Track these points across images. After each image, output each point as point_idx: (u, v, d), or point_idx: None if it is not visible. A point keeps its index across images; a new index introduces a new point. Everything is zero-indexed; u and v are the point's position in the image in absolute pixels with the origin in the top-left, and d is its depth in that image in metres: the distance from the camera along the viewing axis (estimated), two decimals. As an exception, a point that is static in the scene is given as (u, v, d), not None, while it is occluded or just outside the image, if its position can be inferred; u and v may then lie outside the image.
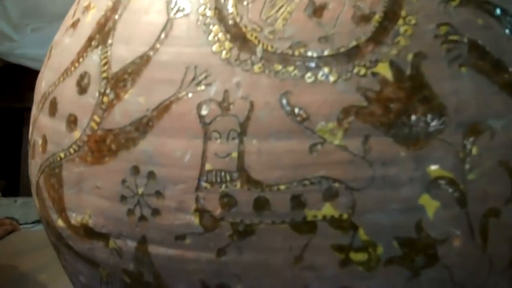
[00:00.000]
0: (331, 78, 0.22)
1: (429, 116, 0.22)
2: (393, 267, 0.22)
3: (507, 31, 0.24)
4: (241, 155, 0.22)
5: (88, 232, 0.26)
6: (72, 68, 0.27)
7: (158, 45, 0.24)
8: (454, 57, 0.23)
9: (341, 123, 0.22)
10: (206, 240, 0.23)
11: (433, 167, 0.22)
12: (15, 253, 0.51)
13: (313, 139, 0.22)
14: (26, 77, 0.75)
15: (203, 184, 0.23)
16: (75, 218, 0.26)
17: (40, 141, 0.28)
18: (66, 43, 0.28)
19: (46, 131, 0.28)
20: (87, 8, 0.28)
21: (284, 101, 0.22)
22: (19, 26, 0.87)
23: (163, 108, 0.23)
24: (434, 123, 0.22)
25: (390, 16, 0.23)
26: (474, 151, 0.22)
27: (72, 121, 0.26)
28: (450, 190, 0.22)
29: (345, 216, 0.22)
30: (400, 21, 0.23)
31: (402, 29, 0.23)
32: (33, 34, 0.87)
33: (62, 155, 0.26)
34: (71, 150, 0.26)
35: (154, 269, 0.24)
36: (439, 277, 0.22)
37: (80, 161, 0.25)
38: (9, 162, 0.93)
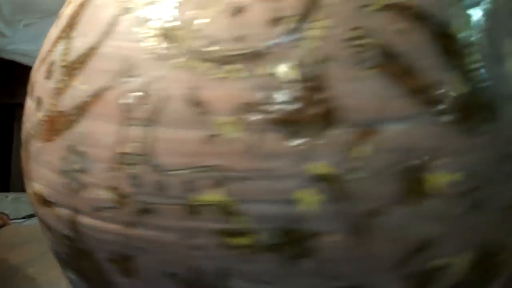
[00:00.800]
0: (238, 76, 0.24)
1: (322, 115, 0.23)
2: (274, 255, 0.24)
3: (427, 36, 0.24)
4: (150, 142, 0.25)
5: (42, 200, 0.29)
6: (47, 56, 0.31)
7: (104, 39, 0.27)
8: (360, 60, 0.24)
9: (239, 118, 0.24)
10: (117, 214, 0.26)
11: (319, 164, 0.23)
12: (5, 247, 0.52)
13: (211, 131, 0.24)
14: (18, 72, 0.78)
15: (117, 165, 0.25)
16: (36, 188, 0.30)
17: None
18: (50, 33, 0.32)
19: (26, 111, 0.32)
20: (69, 1, 0.32)
21: (194, 94, 0.24)
22: (11, 22, 0.88)
23: (97, 95, 0.27)
24: (325, 122, 0.23)
25: (304, 19, 0.24)
26: (365, 151, 0.23)
27: (39, 103, 0.30)
28: (334, 186, 0.23)
29: (231, 203, 0.24)
30: (313, 24, 0.24)
31: (312, 32, 0.24)
32: (25, 29, 0.87)
33: (31, 131, 0.30)
34: (36, 128, 0.30)
35: (83, 236, 0.27)
36: (318, 269, 0.24)
37: (40, 138, 0.29)
38: (0, 157, 0.94)
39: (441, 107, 0.24)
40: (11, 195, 0.76)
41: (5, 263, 0.48)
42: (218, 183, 0.24)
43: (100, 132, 0.26)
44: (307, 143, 0.23)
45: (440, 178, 0.24)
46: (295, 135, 0.23)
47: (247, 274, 0.24)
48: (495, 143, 0.25)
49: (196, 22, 0.25)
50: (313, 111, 0.23)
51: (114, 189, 0.25)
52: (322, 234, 0.23)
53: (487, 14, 0.26)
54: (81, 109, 0.27)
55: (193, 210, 0.24)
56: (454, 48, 0.25)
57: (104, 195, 0.26)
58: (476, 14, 0.26)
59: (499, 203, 0.26)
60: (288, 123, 0.23)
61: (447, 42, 0.25)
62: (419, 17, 0.25)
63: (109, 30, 0.27)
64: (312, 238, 0.23)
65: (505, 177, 0.26)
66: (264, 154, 0.23)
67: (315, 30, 0.24)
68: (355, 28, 0.24)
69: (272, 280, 0.24)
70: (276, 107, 0.23)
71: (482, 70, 0.25)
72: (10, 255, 0.49)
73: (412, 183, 0.24)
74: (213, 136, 0.24)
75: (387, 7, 0.24)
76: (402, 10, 0.25)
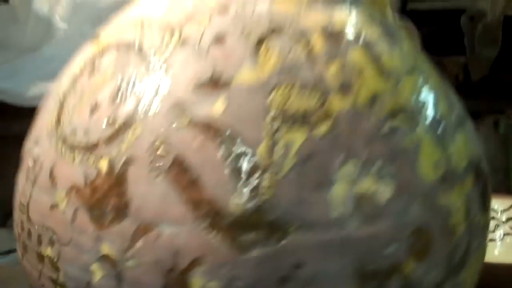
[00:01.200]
0: (77, 161, 0.30)
1: (116, 206, 0.28)
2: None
3: (221, 154, 0.27)
4: (28, 199, 0.32)
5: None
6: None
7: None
8: (155, 166, 0.28)
9: (67, 195, 0.30)
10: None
11: (105, 246, 0.28)
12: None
13: (53, 201, 0.31)
14: None
15: (16, 211, 0.34)
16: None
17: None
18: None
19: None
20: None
21: (52, 169, 0.31)
22: None
23: None
24: (118, 213, 0.28)
25: (125, 126, 0.29)
26: (139, 245, 0.27)
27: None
28: (114, 268, 0.28)
29: (54, 259, 0.30)
30: (130, 131, 0.29)
31: (128, 137, 0.29)
32: (2, 66, 0.87)
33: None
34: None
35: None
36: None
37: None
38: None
39: (214, 220, 0.27)
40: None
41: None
42: (50, 242, 0.30)
43: None
44: (104, 226, 0.28)
45: (199, 283, 0.27)
46: (98, 217, 0.29)
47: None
48: (267, 264, 0.27)
49: (72, 113, 0.32)
50: (112, 202, 0.28)
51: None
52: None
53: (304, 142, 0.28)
54: None
55: (40, 258, 0.31)
56: (244, 168, 0.27)
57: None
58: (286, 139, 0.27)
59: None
60: (94, 207, 0.29)
61: (238, 161, 0.27)
62: (218, 136, 0.27)
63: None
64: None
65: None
66: (77, 228, 0.29)
67: (130, 135, 0.29)
68: (158, 139, 0.28)
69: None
70: (88, 191, 0.29)
71: (271, 192, 0.27)
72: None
73: (175, 281, 0.27)
74: (53, 205, 0.30)
75: (190, 125, 0.28)
76: (203, 129, 0.28)
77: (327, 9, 0.32)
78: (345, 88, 0.29)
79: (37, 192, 0.32)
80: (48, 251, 0.31)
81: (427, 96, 0.32)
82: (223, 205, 0.27)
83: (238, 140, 0.27)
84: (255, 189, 0.27)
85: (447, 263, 0.30)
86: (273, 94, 0.28)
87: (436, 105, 0.32)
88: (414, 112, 0.31)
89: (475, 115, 1.99)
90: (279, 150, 0.27)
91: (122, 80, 0.30)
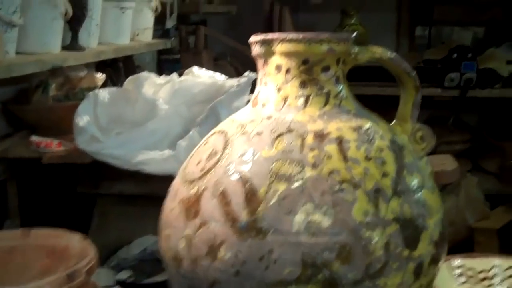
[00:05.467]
0: (185, 187, 0.60)
1: (194, 210, 0.57)
2: None
3: (243, 189, 0.55)
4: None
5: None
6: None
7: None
8: (214, 194, 0.56)
9: (178, 203, 0.60)
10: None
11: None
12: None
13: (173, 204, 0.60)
14: (103, 169, 0.95)
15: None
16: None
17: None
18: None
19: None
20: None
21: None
22: (106, 130, 1.04)
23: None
24: (193, 215, 0.57)
25: (205, 173, 0.58)
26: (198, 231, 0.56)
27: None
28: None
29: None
30: (207, 176, 0.58)
31: (205, 178, 0.58)
32: (116, 137, 1.03)
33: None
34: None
35: None
36: None
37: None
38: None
39: (233, 223, 0.54)
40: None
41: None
42: (169, 227, 0.60)
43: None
44: (189, 220, 0.57)
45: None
46: (187, 215, 0.58)
47: None
48: (254, 248, 0.53)
49: (190, 163, 0.62)
50: (194, 208, 0.57)
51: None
52: None
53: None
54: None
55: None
56: (250, 200, 0.54)
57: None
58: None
59: None
60: (188, 210, 0.58)
61: (251, 195, 0.54)
62: (245, 182, 0.55)
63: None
64: None
65: None
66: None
67: (208, 178, 0.57)
68: (219, 181, 0.56)
69: None
70: (187, 202, 0.58)
71: (262, 212, 0.53)
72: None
73: (212, 249, 0.55)
74: (172, 208, 0.60)
75: (234, 176, 0.56)
76: (240, 178, 0.55)
77: (327, 121, 0.58)
78: (316, 165, 0.55)
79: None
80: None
81: (373, 176, 0.55)
82: (239, 216, 0.54)
83: (252, 184, 0.55)
84: (254, 210, 0.54)
85: (365, 270, 0.53)
86: (274, 163, 0.55)
87: (377, 181, 0.55)
88: (357, 183, 0.55)
89: None
90: (270, 192, 0.54)
91: (212, 149, 0.60)
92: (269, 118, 0.60)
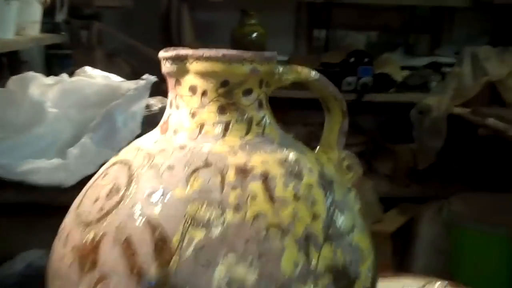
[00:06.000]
0: (79, 230, 0.50)
1: (90, 261, 0.47)
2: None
3: (152, 237, 0.46)
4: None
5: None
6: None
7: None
8: (116, 241, 0.47)
9: (71, 251, 0.49)
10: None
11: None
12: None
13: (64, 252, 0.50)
14: None
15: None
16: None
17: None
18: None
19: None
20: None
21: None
22: None
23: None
24: (89, 266, 0.47)
25: (105, 214, 0.48)
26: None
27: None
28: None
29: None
30: (107, 218, 0.48)
31: (105, 220, 0.48)
32: None
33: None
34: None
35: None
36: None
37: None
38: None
39: (140, 277, 0.45)
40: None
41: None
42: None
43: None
44: (84, 273, 0.47)
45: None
46: (82, 267, 0.48)
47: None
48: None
49: (86, 200, 0.52)
50: (90, 258, 0.47)
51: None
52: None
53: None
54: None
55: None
56: (162, 251, 0.45)
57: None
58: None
59: None
60: (82, 260, 0.48)
61: (162, 245, 0.45)
62: (154, 229, 0.46)
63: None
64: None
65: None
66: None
67: (108, 220, 0.48)
68: (121, 225, 0.47)
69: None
70: (82, 250, 0.48)
71: (175, 266, 0.45)
72: None
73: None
74: (62, 257, 0.50)
75: (139, 219, 0.46)
76: (146, 223, 0.46)
77: (250, 153, 0.50)
78: (239, 207, 0.47)
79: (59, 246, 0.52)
80: (56, 283, 0.50)
81: (303, 220, 0.48)
82: (146, 270, 0.45)
83: (163, 230, 0.46)
84: (166, 263, 0.45)
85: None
86: (189, 205, 0.46)
87: (308, 225, 0.48)
88: (286, 228, 0.47)
89: (423, 199, 1.99)
90: (185, 240, 0.45)
91: (114, 184, 0.50)
92: (182, 148, 0.51)
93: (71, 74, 1.10)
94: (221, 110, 0.51)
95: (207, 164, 0.49)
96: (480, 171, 2.00)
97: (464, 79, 1.83)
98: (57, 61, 1.81)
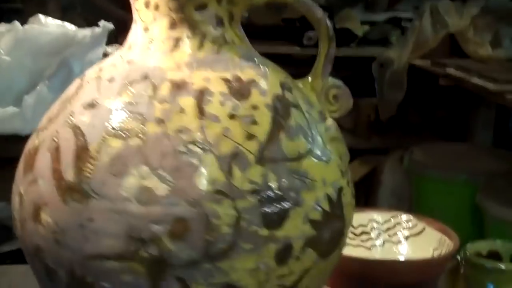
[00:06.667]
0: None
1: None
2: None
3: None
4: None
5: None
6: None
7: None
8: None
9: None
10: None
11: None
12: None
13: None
14: None
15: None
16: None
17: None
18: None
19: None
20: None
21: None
22: None
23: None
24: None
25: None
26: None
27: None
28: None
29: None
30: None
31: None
32: None
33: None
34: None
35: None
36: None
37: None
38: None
39: (59, 183, 0.45)
40: None
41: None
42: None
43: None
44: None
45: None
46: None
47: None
48: (76, 211, 0.44)
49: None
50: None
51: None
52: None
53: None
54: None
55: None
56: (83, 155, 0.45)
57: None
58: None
59: None
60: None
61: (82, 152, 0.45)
62: (79, 133, 0.46)
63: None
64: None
65: None
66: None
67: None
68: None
69: None
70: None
71: (92, 172, 0.45)
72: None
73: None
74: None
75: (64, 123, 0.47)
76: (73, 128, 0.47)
77: (194, 70, 0.48)
78: (162, 121, 0.45)
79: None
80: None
81: (233, 135, 0.45)
82: (65, 175, 0.45)
83: (85, 138, 0.46)
84: (82, 169, 0.45)
85: (205, 250, 0.44)
86: (115, 116, 0.46)
87: (239, 145, 0.45)
88: (209, 145, 0.45)
89: (384, 150, 2.08)
90: (103, 149, 0.45)
91: (66, 94, 0.51)
92: (129, 62, 0.50)
93: (23, 23, 1.07)
94: (172, 25, 0.50)
95: (144, 78, 0.48)
96: (440, 121, 2.04)
97: (424, 31, 1.86)
98: (7, 16, 1.53)
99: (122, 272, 0.44)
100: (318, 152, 0.50)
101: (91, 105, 0.48)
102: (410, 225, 0.73)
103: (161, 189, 0.44)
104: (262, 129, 0.47)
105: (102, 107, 0.47)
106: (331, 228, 0.49)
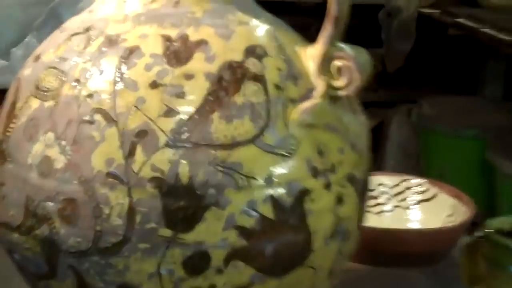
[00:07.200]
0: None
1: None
2: None
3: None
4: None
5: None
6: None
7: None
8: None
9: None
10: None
11: None
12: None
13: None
14: None
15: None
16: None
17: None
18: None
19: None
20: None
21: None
22: None
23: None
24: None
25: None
26: None
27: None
28: None
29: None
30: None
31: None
32: None
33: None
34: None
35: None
36: None
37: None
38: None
39: None
40: None
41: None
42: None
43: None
44: None
45: None
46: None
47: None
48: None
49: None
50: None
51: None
52: None
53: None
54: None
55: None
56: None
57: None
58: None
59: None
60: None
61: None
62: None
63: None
64: None
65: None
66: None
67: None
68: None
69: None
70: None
71: (8, 134, 0.41)
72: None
73: None
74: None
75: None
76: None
77: (137, 24, 0.41)
78: (79, 81, 0.39)
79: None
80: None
81: (149, 108, 0.37)
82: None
83: (17, 94, 0.42)
84: (5, 129, 0.42)
85: (94, 241, 0.37)
86: (43, 72, 0.41)
87: (150, 121, 0.37)
88: (115, 117, 0.37)
89: (391, 104, 1.81)
90: (24, 108, 0.41)
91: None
92: (90, 11, 0.44)
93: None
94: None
95: (85, 31, 0.42)
96: (449, 73, 1.93)
97: (434, -21, 1.71)
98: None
99: (23, 246, 0.41)
100: (271, 141, 0.38)
101: (36, 58, 0.44)
102: (422, 190, 0.67)
103: (59, 161, 0.38)
104: (189, 105, 0.38)
105: (39, 60, 0.43)
106: (278, 241, 0.38)
